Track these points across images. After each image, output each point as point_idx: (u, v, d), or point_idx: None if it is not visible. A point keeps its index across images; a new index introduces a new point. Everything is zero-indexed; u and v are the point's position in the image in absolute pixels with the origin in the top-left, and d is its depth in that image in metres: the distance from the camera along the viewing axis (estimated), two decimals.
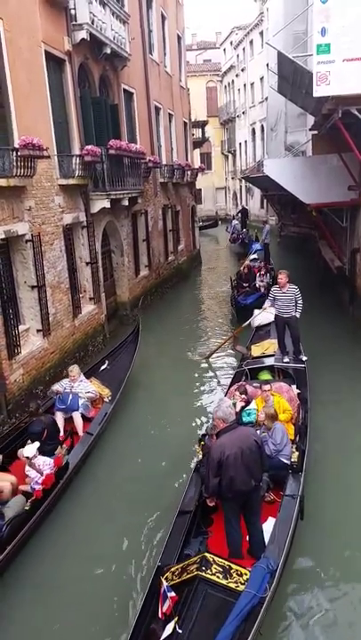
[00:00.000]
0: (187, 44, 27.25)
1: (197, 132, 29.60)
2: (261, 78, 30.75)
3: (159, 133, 18.68)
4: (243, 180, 35.36)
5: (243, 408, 7.31)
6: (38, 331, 9.47)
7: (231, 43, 39.51)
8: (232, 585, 4.30)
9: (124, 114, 14.59)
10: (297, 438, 6.71)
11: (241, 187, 39.59)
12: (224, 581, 4.29)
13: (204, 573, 4.30)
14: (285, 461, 6.20)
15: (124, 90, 14.58)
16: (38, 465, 6.16)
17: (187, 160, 22.67)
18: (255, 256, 19.58)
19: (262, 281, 15.96)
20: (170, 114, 20.06)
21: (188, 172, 22.08)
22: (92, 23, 11.15)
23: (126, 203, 13.34)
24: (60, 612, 5.05)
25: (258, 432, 6.49)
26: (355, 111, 9.58)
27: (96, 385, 8.59)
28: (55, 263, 10.19)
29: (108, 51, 12.26)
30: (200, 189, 34.71)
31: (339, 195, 13.25)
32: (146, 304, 14.95)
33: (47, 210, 9.84)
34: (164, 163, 18.59)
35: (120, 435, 8.28)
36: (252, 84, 34.63)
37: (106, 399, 8.42)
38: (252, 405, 7.45)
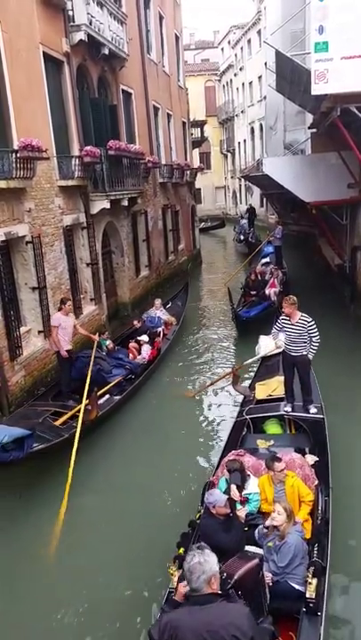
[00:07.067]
0: (185, 44, 27.23)
1: (196, 132, 29.60)
2: (260, 77, 30.70)
3: (158, 133, 18.70)
4: (242, 179, 35.33)
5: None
6: (39, 332, 9.48)
7: (229, 42, 39.49)
8: None
9: (123, 114, 14.60)
10: (315, 549, 4.45)
11: (240, 186, 39.57)
12: None
13: None
14: (298, 587, 4.25)
15: (123, 90, 14.59)
16: (144, 348, 11.09)
17: (186, 160, 22.67)
18: (267, 260, 18.82)
19: (275, 286, 14.50)
20: (168, 114, 20.07)
21: (188, 172, 22.08)
22: (90, 24, 11.15)
23: (126, 203, 13.36)
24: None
25: (260, 532, 4.80)
26: (353, 109, 9.56)
27: (167, 315, 13.19)
28: (56, 264, 10.20)
29: (107, 51, 12.26)
30: (199, 189, 34.76)
31: (338, 192, 13.24)
32: (191, 268, 19.90)
33: (47, 211, 9.85)
34: (163, 163, 18.61)
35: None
36: (250, 83, 34.61)
37: (173, 323, 12.95)
38: (253, 487, 5.35)
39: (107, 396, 8.87)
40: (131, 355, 10.75)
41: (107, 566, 5.64)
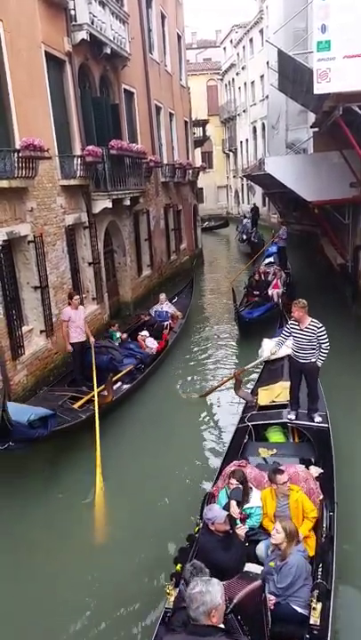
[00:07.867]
0: (187, 43, 27.20)
1: (198, 131, 29.54)
2: (262, 76, 30.68)
3: (160, 133, 18.69)
4: (244, 179, 35.29)
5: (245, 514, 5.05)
6: (42, 331, 9.49)
7: (231, 41, 39.45)
8: None
9: (125, 113, 14.59)
10: (319, 570, 4.21)
11: (243, 185, 39.54)
12: None
13: None
14: (300, 610, 4.00)
15: (125, 89, 14.58)
16: (148, 341, 11.42)
17: (188, 159, 22.65)
18: (271, 259, 18.68)
19: (278, 287, 14.19)
20: (170, 113, 20.05)
21: (190, 171, 22.07)
22: (92, 23, 11.15)
23: (128, 202, 13.35)
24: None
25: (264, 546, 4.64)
26: (356, 108, 9.54)
27: (173, 309, 13.66)
28: (58, 264, 10.20)
29: (108, 51, 12.26)
30: (201, 188, 34.73)
31: (341, 192, 13.20)
32: (197, 265, 21.15)
33: (49, 211, 9.85)
34: (165, 162, 18.60)
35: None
36: (252, 83, 34.58)
37: (179, 317, 13.37)
38: (255, 501, 5.09)
39: (119, 384, 9.47)
40: (140, 346, 11.30)
41: (108, 561, 5.66)
